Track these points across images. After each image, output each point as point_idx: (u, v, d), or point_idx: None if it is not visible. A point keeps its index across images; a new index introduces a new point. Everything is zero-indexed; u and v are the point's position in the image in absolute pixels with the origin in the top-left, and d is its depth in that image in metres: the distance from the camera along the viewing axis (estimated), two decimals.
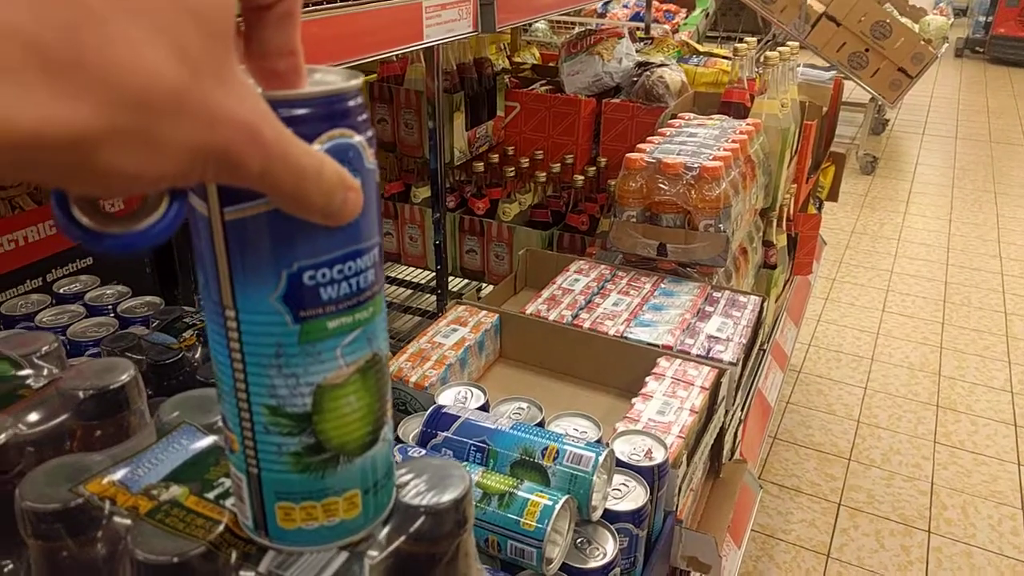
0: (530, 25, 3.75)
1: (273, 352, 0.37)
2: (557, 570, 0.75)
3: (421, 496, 0.45)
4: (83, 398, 0.54)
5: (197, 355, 0.94)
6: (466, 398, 0.98)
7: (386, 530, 0.44)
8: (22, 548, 0.48)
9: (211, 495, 0.45)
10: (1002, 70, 8.09)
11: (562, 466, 0.79)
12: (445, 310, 1.34)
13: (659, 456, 0.90)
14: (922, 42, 4.43)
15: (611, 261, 1.55)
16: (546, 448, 0.80)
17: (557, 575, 0.76)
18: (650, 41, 2.77)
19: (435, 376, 1.13)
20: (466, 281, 2.32)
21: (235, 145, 0.28)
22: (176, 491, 0.45)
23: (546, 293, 1.40)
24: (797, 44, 1.98)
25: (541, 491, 0.75)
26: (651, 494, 0.87)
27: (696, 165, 1.41)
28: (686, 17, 6.17)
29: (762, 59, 1.79)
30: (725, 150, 1.48)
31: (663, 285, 1.44)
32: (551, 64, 2.50)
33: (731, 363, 1.20)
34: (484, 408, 0.97)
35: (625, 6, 5.45)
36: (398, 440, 0.93)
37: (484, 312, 1.31)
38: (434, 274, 2.18)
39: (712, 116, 1.78)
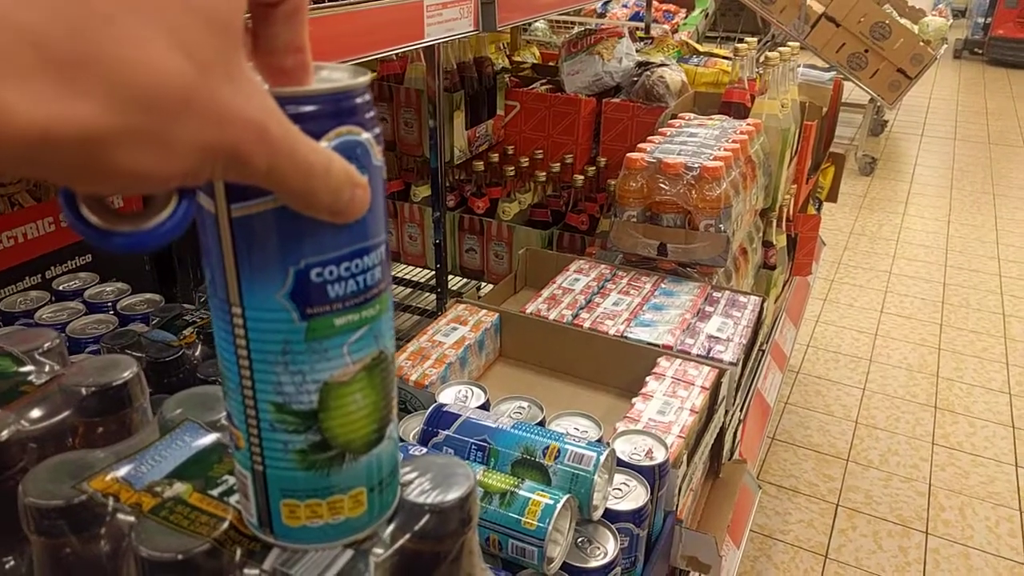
0: (530, 24, 3.75)
1: (280, 349, 0.37)
2: (558, 569, 0.75)
3: (426, 494, 0.45)
4: (86, 395, 0.54)
5: (197, 352, 0.94)
6: (467, 397, 0.98)
7: (391, 528, 0.44)
8: (25, 545, 0.47)
9: (215, 492, 0.45)
10: (1001, 71, 8.11)
11: (563, 465, 0.79)
12: (445, 309, 1.34)
13: (660, 456, 0.91)
14: (921, 43, 4.44)
15: (611, 261, 1.55)
16: (547, 447, 0.80)
17: (558, 574, 0.76)
18: (650, 41, 2.77)
19: (435, 375, 1.12)
20: (466, 280, 2.32)
21: (243, 143, 0.28)
22: (180, 488, 0.45)
23: (546, 292, 1.40)
24: (797, 45, 1.98)
25: (542, 490, 0.75)
26: (652, 494, 0.87)
27: (696, 165, 1.41)
28: (686, 17, 6.17)
29: (762, 59, 1.79)
30: (726, 150, 1.48)
31: (663, 285, 1.44)
32: (551, 63, 2.50)
33: (731, 363, 1.21)
34: (485, 407, 0.96)
35: (625, 6, 5.45)
36: (399, 439, 0.92)
37: (484, 311, 1.31)
38: (434, 273, 2.18)
39: (712, 116, 1.78)
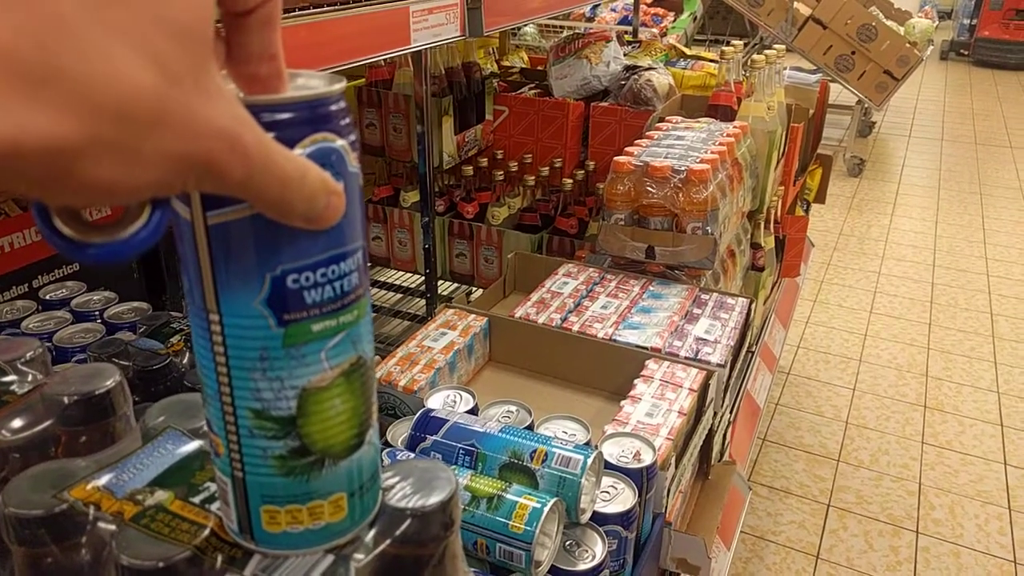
0: (518, 29, 3.76)
1: (257, 356, 0.37)
2: (546, 573, 0.75)
3: (407, 499, 0.45)
4: (68, 404, 0.54)
5: (184, 361, 0.93)
6: (455, 402, 0.99)
7: (372, 533, 0.44)
8: (6, 555, 0.47)
9: (196, 499, 0.45)
10: (986, 72, 8.17)
11: (550, 469, 0.79)
12: (434, 314, 1.34)
13: (648, 458, 0.91)
14: (907, 45, 4.47)
15: (600, 264, 1.55)
16: (535, 451, 0.81)
17: None
18: (638, 45, 2.78)
19: (424, 380, 1.13)
20: (455, 285, 2.32)
21: (216, 154, 0.28)
22: (161, 496, 0.45)
23: (535, 296, 1.41)
24: (784, 47, 1.99)
25: (529, 494, 0.75)
26: (640, 496, 0.87)
27: (683, 168, 1.42)
28: (674, 21, 6.19)
29: (749, 62, 1.80)
30: (712, 153, 1.49)
31: (651, 288, 1.44)
32: (539, 68, 2.51)
33: (719, 365, 1.21)
34: (473, 411, 0.97)
35: (613, 10, 5.47)
36: (387, 444, 0.93)
37: (473, 316, 1.31)
38: (423, 278, 2.18)
39: (699, 119, 1.79)
